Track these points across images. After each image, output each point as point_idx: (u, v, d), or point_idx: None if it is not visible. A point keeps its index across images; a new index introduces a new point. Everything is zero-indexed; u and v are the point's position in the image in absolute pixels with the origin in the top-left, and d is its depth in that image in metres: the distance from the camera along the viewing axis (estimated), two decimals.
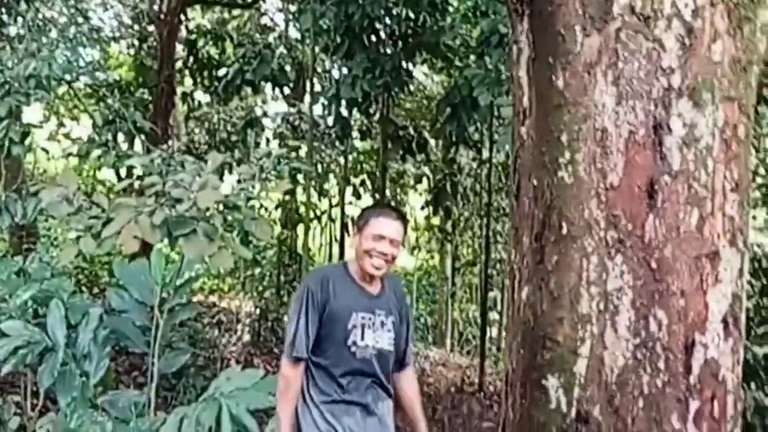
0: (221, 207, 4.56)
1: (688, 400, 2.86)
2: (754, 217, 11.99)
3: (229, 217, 4.61)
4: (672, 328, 2.87)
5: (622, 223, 2.93)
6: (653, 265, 2.89)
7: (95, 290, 10.99)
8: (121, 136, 11.26)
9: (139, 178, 5.40)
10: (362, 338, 3.41)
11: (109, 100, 11.60)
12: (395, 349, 3.59)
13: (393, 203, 16.43)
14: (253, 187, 4.93)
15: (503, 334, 13.35)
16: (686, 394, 2.86)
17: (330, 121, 12.11)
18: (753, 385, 7.91)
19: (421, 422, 3.72)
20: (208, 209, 4.46)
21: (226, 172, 9.55)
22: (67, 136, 14.68)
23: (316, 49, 11.27)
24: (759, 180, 12.06)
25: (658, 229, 2.90)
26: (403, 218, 3.63)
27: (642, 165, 2.94)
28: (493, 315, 13.95)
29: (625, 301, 2.91)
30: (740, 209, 3.02)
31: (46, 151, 15.67)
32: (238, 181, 5.08)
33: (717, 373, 2.91)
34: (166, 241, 4.55)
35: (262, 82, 11.58)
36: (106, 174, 14.21)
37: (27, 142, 8.32)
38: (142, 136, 11.38)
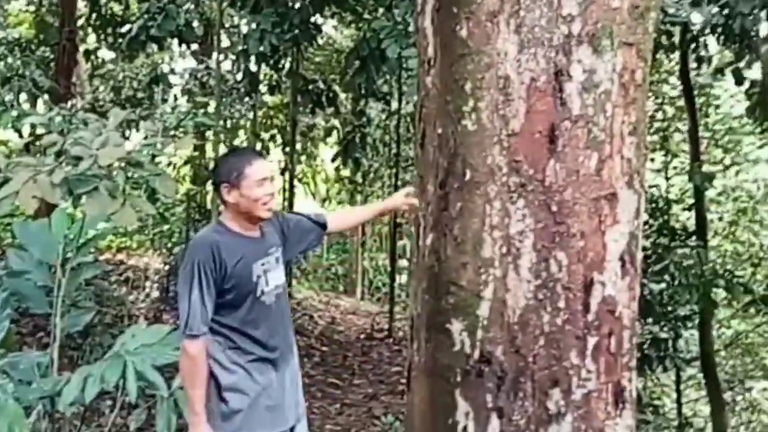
0: (124, 164, 4.46)
1: (587, 337, 2.95)
2: (652, 160, 12.38)
3: (133, 174, 4.51)
4: (572, 268, 2.95)
5: (523, 168, 2.98)
6: (554, 208, 2.95)
7: None
8: (24, 96, 10.93)
9: (38, 137, 5.24)
10: (267, 283, 3.41)
11: (9, 59, 11.18)
12: (308, 233, 3.78)
13: (304, 156, 16.43)
14: (158, 143, 4.84)
15: None
16: (584, 331, 2.95)
17: (239, 76, 11.96)
18: (650, 320, 8.28)
19: (371, 207, 3.82)
20: (110, 167, 4.35)
21: (133, 129, 9.36)
22: None
23: (224, 3, 11.06)
24: (657, 124, 12.43)
25: (558, 173, 2.96)
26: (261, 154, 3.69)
27: (543, 111, 2.98)
28: (403, 262, 14.13)
29: (527, 244, 2.96)
30: (637, 152, 3.10)
31: None
32: (145, 138, 4.98)
33: (614, 310, 3.01)
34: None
35: (168, 38, 11.30)
36: (10, 135, 13.75)
37: None
38: (45, 96, 11.05)
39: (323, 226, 3.76)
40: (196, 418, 3.34)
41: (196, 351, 3.32)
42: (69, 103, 9.62)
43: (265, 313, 3.43)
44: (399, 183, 12.12)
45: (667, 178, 12.59)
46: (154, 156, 4.87)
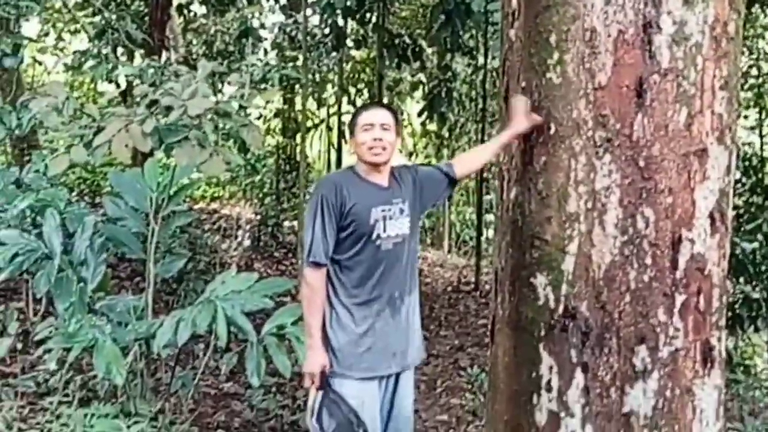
0: (213, 115, 4.55)
1: (674, 294, 2.92)
2: (746, 117, 11.98)
3: (221, 125, 4.60)
4: (659, 224, 2.91)
5: (610, 122, 2.93)
6: (641, 163, 2.91)
7: (97, 200, 11.05)
8: (120, 50, 11.18)
9: (133, 88, 5.38)
10: (385, 230, 3.47)
11: (105, 13, 11.44)
12: (437, 185, 3.74)
13: None
14: (245, 94, 4.91)
15: None
16: (672, 288, 2.91)
17: (326, 30, 11.98)
18: (742, 280, 8.08)
19: (494, 143, 3.61)
20: (199, 117, 4.44)
21: (226, 83, 9.48)
22: (61, 49, 14.60)
23: None
24: (751, 81, 12.00)
25: (646, 127, 2.91)
26: (387, 107, 3.70)
27: (631, 64, 2.93)
28: (489, 217, 14.01)
29: (612, 199, 2.93)
30: (729, 107, 3.02)
31: (40, 63, 15.62)
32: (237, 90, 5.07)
33: (703, 267, 2.96)
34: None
35: None
36: (107, 87, 14.14)
37: (20, 54, 8.30)
38: (141, 50, 11.29)
39: (453, 178, 3.79)
40: (311, 341, 3.50)
41: (316, 279, 3.47)
42: (163, 56, 9.84)
43: (378, 259, 3.50)
44: (485, 138, 12.04)
45: (761, 136, 12.18)
46: (242, 107, 4.95)
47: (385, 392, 3.61)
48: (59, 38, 14.68)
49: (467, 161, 3.88)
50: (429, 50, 13.44)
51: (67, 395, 4.97)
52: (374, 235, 3.46)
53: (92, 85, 16.26)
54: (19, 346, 5.89)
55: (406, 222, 3.57)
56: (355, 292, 3.49)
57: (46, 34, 14.61)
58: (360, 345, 3.48)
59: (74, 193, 10.90)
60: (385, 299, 3.51)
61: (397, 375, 3.63)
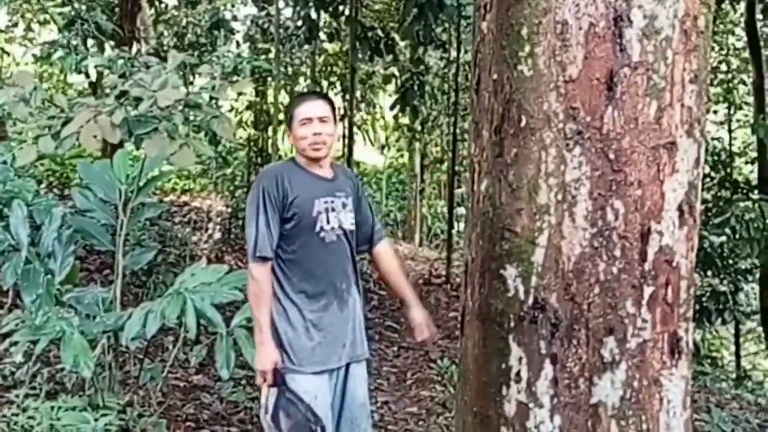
0: (183, 106, 4.52)
1: (643, 286, 2.94)
2: (715, 112, 12.10)
3: (191, 116, 4.57)
4: (629, 217, 2.92)
5: (580, 115, 2.94)
6: (611, 156, 2.92)
7: (66, 192, 10.95)
8: (90, 41, 11.09)
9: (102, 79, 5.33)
10: (328, 222, 3.48)
11: (75, 3, 11.33)
12: (358, 228, 3.72)
13: (363, 103, 16.42)
14: (216, 85, 4.88)
15: None
16: (641, 280, 2.93)
17: (299, 23, 11.95)
18: (709, 273, 8.19)
19: (404, 288, 3.82)
20: (169, 108, 4.41)
21: (196, 76, 9.43)
22: (30, 39, 14.47)
23: None
24: (721, 76, 12.12)
25: (616, 120, 2.92)
26: (324, 97, 3.72)
27: (601, 57, 2.94)
28: (461, 210, 14.11)
29: (582, 191, 2.94)
30: (698, 100, 3.04)
31: (8, 54, 15.45)
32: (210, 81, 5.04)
33: (671, 259, 2.98)
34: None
35: None
36: (76, 78, 14.02)
37: None
38: (111, 42, 11.20)
39: (370, 242, 3.80)
40: (261, 337, 3.48)
41: (263, 274, 3.46)
42: (133, 48, 9.77)
43: (322, 251, 3.51)
44: (457, 131, 12.08)
45: (730, 131, 12.33)
46: (212, 98, 4.92)
47: (336, 383, 3.62)
48: (28, 28, 14.55)
49: (384, 260, 3.92)
50: (402, 43, 13.45)
51: (33, 388, 4.92)
52: (317, 227, 3.47)
53: (61, 76, 16.11)
54: None
55: (350, 217, 3.58)
56: (301, 287, 3.49)
57: (15, 25, 14.47)
58: (310, 339, 3.49)
59: (42, 185, 10.78)
60: (332, 292, 3.53)
61: (347, 365, 3.64)
